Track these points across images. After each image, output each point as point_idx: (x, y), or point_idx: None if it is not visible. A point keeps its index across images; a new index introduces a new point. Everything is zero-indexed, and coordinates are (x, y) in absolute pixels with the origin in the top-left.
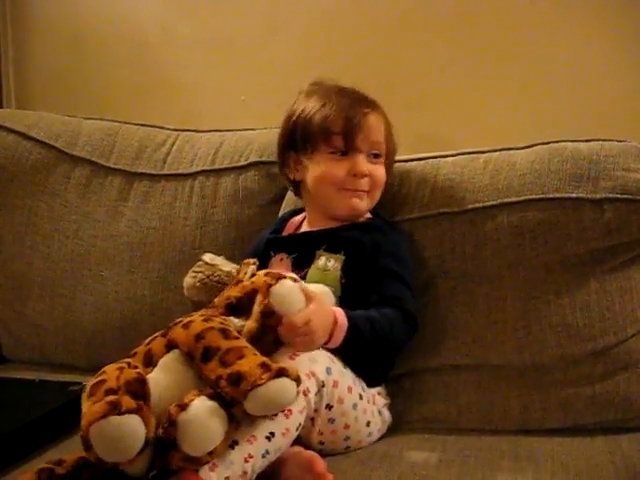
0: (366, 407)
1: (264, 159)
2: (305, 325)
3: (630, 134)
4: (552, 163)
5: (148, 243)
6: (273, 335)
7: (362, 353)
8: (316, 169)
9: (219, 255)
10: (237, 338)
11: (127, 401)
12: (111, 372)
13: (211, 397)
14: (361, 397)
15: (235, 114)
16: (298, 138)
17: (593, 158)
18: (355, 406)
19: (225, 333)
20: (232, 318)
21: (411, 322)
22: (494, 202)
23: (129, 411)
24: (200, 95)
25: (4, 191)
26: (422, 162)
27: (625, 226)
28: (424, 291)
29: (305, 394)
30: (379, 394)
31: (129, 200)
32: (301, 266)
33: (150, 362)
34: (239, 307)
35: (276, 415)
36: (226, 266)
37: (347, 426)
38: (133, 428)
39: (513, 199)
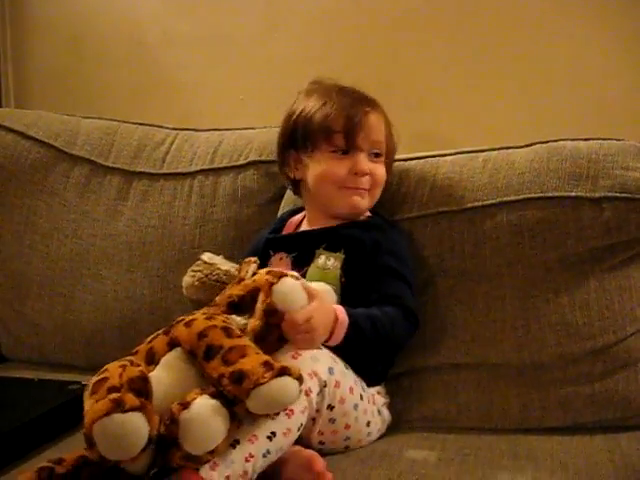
0: (366, 407)
1: (263, 158)
2: (306, 322)
3: (629, 133)
4: (551, 162)
5: (147, 242)
6: (277, 333)
7: (363, 351)
8: (317, 168)
9: (218, 254)
10: (240, 337)
11: (130, 399)
12: (113, 370)
13: (213, 396)
14: (362, 397)
15: (234, 113)
16: (299, 137)
17: (592, 157)
18: (356, 406)
19: (228, 331)
20: (234, 316)
21: (412, 320)
22: (493, 201)
23: (133, 409)
24: (199, 94)
25: (3, 190)
26: (421, 161)
27: (624, 225)
28: (423, 290)
29: (307, 394)
30: (378, 393)
31: (128, 199)
32: (301, 265)
33: (152, 360)
34: (241, 305)
35: (278, 414)
36: (225, 265)
37: (348, 426)
38: (136, 426)
39: (512, 198)
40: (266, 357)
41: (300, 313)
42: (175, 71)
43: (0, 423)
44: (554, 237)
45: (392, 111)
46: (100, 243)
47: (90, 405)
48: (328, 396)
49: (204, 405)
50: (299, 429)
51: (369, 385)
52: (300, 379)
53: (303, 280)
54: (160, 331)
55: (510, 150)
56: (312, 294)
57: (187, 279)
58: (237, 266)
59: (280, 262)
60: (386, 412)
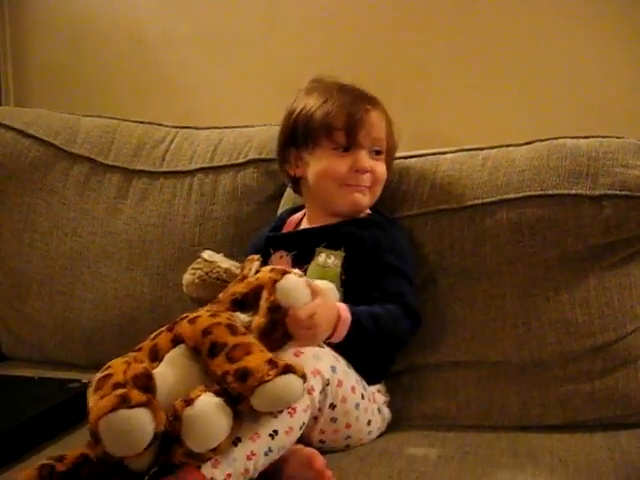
0: (367, 406)
1: (263, 156)
2: (309, 318)
3: (629, 130)
4: (551, 160)
5: (147, 240)
6: (282, 329)
7: (365, 348)
8: (318, 165)
9: (218, 252)
10: (244, 334)
11: (137, 395)
12: (118, 366)
13: (217, 394)
14: (363, 396)
15: (234, 111)
16: (299, 134)
17: (592, 155)
18: (357, 406)
19: (232, 329)
20: (238, 314)
21: (413, 318)
22: (493, 199)
23: (139, 404)
24: (199, 92)
25: (3, 188)
26: (421, 159)
27: (624, 222)
28: (423, 288)
29: (309, 392)
30: (379, 391)
31: (128, 197)
32: (301, 263)
33: (156, 357)
34: (245, 303)
35: (281, 412)
36: (225, 263)
37: (349, 425)
38: (142, 422)
39: (512, 196)
40: (271, 355)
41: (303, 309)
42: (175, 69)
43: (0, 421)
44: (554, 235)
45: (392, 109)
46: (100, 241)
47: (95, 401)
48: (330, 395)
49: (208, 402)
50: (301, 428)
51: (369, 383)
52: (304, 377)
53: (307, 277)
54: (164, 328)
55: (510, 148)
56: (316, 291)
57: (187, 277)
58: (237, 264)
59: (280, 260)
60: (386, 410)
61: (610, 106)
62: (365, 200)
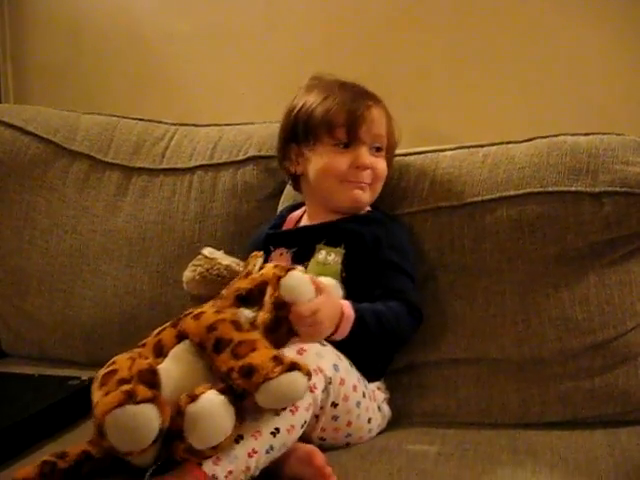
0: (368, 404)
1: (263, 153)
2: (312, 315)
3: (629, 128)
4: (551, 157)
5: (147, 238)
6: (286, 325)
7: (368, 345)
8: (318, 161)
9: (219, 249)
10: (249, 330)
11: (143, 390)
12: (122, 362)
13: (222, 392)
14: (364, 395)
15: (234, 109)
16: (300, 131)
17: (592, 151)
18: (358, 404)
19: (237, 325)
20: (242, 309)
21: (416, 315)
22: (493, 196)
23: (145, 400)
24: (199, 90)
25: (2, 186)
26: (421, 156)
27: (624, 219)
28: (423, 285)
29: (312, 390)
30: (378, 389)
31: (127, 195)
32: (301, 260)
33: (161, 352)
34: (249, 298)
35: (284, 409)
36: (225, 260)
37: (349, 423)
38: (148, 417)
39: (512, 193)
40: (276, 352)
41: (306, 305)
42: (175, 67)
43: (0, 418)
44: (554, 232)
45: (392, 107)
46: (99, 239)
47: (100, 397)
48: (332, 393)
49: (212, 400)
50: (303, 426)
51: (369, 381)
52: (309, 375)
53: (311, 274)
54: (167, 324)
55: (510, 145)
56: (320, 288)
57: (188, 274)
58: (238, 261)
59: (280, 257)
60: (386, 408)
61: (610, 103)
62: (365, 197)
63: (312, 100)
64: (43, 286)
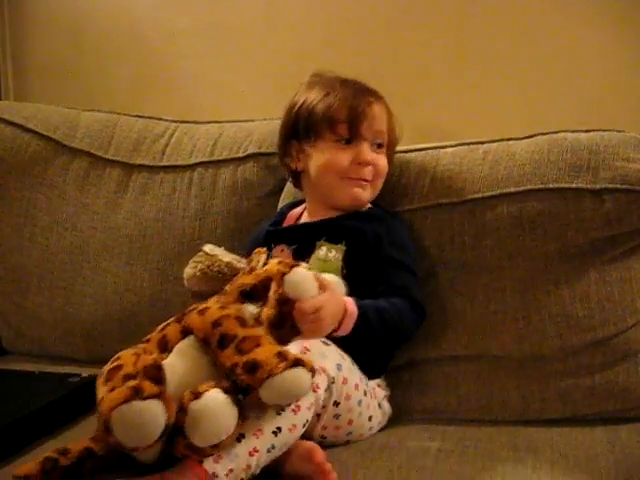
0: (369, 402)
1: (263, 150)
2: (315, 312)
3: (630, 124)
4: (552, 153)
5: (147, 235)
6: (290, 322)
7: (371, 342)
8: (320, 157)
9: (219, 247)
10: (253, 326)
11: (149, 386)
12: (127, 358)
13: (226, 391)
14: (365, 393)
15: (234, 106)
16: (301, 127)
17: (593, 148)
18: (360, 402)
19: (241, 321)
20: (247, 305)
21: (419, 311)
22: (493, 192)
23: (151, 396)
24: (199, 87)
25: (2, 183)
26: (422, 153)
27: (625, 216)
28: (424, 282)
29: (314, 390)
30: (379, 386)
31: (128, 192)
32: (301, 257)
33: (165, 348)
34: (253, 294)
35: (284, 409)
36: (226, 257)
37: (351, 422)
38: (154, 413)
39: (512, 189)
40: (280, 348)
41: (309, 302)
42: (175, 64)
43: (0, 415)
44: (555, 229)
45: (392, 104)
46: (100, 236)
47: (105, 392)
48: (335, 392)
49: (215, 399)
50: (304, 425)
51: (370, 378)
52: (313, 371)
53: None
54: (172, 319)
55: (510, 142)
56: (324, 285)
57: (188, 270)
58: (239, 258)
59: (281, 254)
60: (386, 405)
61: (611, 100)
62: (365, 195)
63: (313, 96)
64: (43, 283)
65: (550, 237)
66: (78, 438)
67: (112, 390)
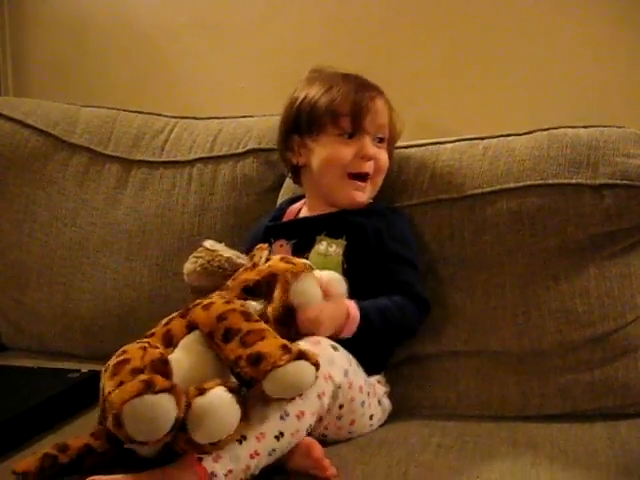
0: (371, 402)
1: (262, 146)
2: (314, 319)
3: (629, 120)
4: (551, 149)
5: (146, 230)
6: (295, 327)
7: (375, 341)
8: (322, 151)
9: (220, 242)
10: (257, 321)
11: (160, 380)
12: (134, 352)
13: (230, 390)
14: (368, 394)
15: (234, 101)
16: (303, 121)
17: (592, 144)
18: (363, 404)
19: (246, 315)
20: (251, 302)
21: (422, 306)
22: (493, 188)
23: (163, 390)
24: (199, 83)
25: (2, 179)
26: (421, 148)
27: (625, 212)
28: (423, 277)
29: (320, 397)
30: (379, 382)
31: (127, 187)
32: (301, 252)
33: (170, 343)
34: (256, 290)
35: (292, 399)
36: (226, 252)
37: (353, 422)
38: (166, 408)
39: (512, 185)
40: (284, 341)
41: (309, 311)
42: (175, 60)
43: (0, 411)
44: (554, 224)
45: (392, 101)
46: (99, 231)
47: (113, 386)
48: (340, 397)
49: (219, 396)
50: (307, 430)
51: (370, 374)
52: (317, 365)
53: (320, 275)
54: (175, 314)
55: (510, 137)
56: (328, 293)
57: (188, 265)
58: (239, 253)
59: (280, 249)
60: (386, 401)
61: (610, 96)
62: (364, 197)
63: (315, 91)
64: (43, 279)
65: (550, 233)
66: (78, 433)
67: (120, 384)
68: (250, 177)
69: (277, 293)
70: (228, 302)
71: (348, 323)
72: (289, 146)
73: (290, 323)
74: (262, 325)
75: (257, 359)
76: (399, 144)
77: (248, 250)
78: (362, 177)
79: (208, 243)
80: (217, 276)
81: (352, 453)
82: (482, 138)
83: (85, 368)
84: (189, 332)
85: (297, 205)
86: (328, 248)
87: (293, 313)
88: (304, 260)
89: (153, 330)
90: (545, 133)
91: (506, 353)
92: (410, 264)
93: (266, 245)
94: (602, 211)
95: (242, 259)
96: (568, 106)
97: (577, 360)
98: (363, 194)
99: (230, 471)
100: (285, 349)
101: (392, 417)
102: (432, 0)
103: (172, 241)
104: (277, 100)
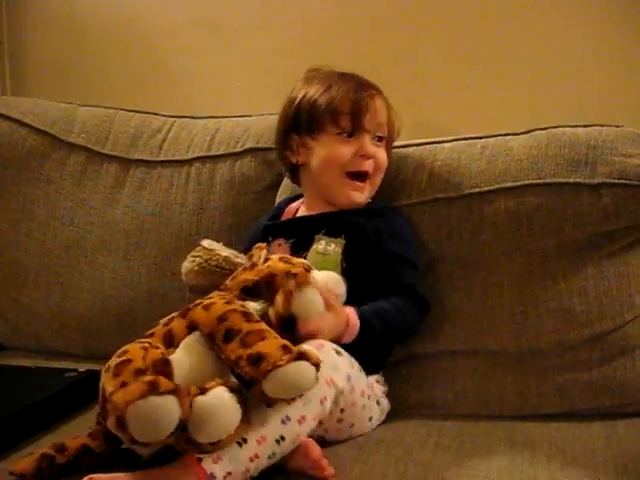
0: (371, 404)
1: (260, 145)
2: (316, 332)
3: (628, 119)
4: (550, 148)
5: (144, 230)
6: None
7: (375, 345)
8: (322, 150)
9: (218, 242)
10: (258, 321)
11: (165, 382)
12: (136, 352)
13: (232, 390)
14: (369, 397)
15: (231, 101)
16: (303, 120)
17: (591, 143)
18: (364, 407)
19: (247, 316)
20: (250, 303)
21: (422, 306)
22: (491, 187)
23: (167, 392)
24: (196, 82)
25: None
26: (419, 148)
27: (623, 211)
28: (421, 276)
29: (322, 402)
30: (377, 382)
31: (125, 187)
32: (299, 251)
33: (171, 343)
34: (255, 290)
35: (294, 400)
36: (224, 251)
37: (352, 425)
38: (170, 409)
39: (510, 184)
40: (284, 341)
41: (310, 323)
42: (173, 59)
43: None
44: (552, 223)
45: (391, 100)
46: (97, 231)
47: (115, 387)
48: (342, 402)
49: (221, 396)
50: (307, 434)
51: (368, 374)
52: (317, 365)
53: (321, 283)
54: (175, 314)
55: (508, 137)
56: (329, 305)
57: (186, 265)
58: (237, 253)
59: (279, 248)
60: (385, 401)
61: (609, 95)
62: (362, 198)
63: (314, 90)
64: (40, 278)
65: (548, 232)
66: (75, 433)
67: (123, 385)
68: (248, 176)
69: (279, 299)
70: (228, 302)
71: (348, 330)
72: (288, 145)
73: (291, 328)
74: (262, 325)
75: (257, 359)
76: (397, 143)
77: (247, 249)
78: (361, 176)
79: (206, 242)
80: (215, 275)
81: (350, 452)
82: (480, 137)
83: (83, 367)
84: (190, 332)
85: (295, 204)
86: (327, 247)
87: (294, 321)
88: (303, 260)
89: (153, 330)
90: (543, 132)
91: (504, 352)
92: (410, 264)
93: (265, 244)
94: (600, 210)
95: (240, 258)
96: (566, 105)
97: (575, 359)
98: (361, 194)
99: (229, 473)
100: (285, 349)
101: (390, 416)
102: (431, 2)
103: (170, 240)
104: (275, 99)
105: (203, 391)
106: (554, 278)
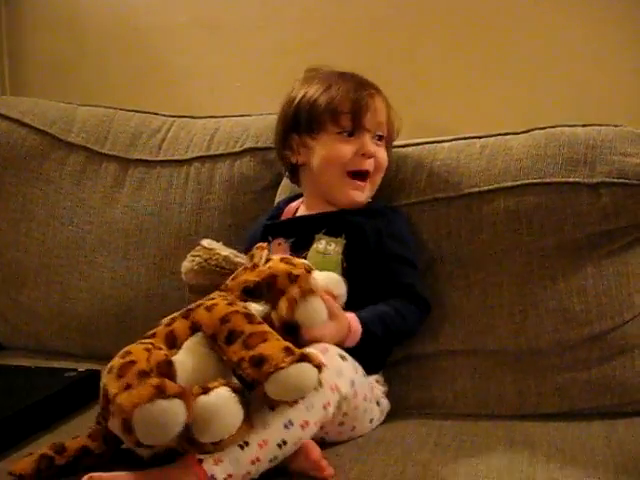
0: (372, 407)
1: (259, 145)
2: (318, 339)
3: (627, 119)
4: (549, 148)
5: (144, 229)
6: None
7: (377, 348)
8: (322, 149)
9: (217, 242)
10: (261, 323)
11: (171, 385)
12: (139, 353)
13: (234, 390)
14: (370, 400)
15: (230, 100)
16: (303, 120)
17: (590, 143)
18: (365, 410)
19: (249, 318)
20: (253, 304)
21: (422, 306)
22: (490, 187)
23: (174, 395)
24: (196, 82)
25: None
26: (419, 147)
27: (622, 211)
28: (421, 276)
29: (325, 407)
30: (377, 382)
31: (124, 186)
32: (299, 250)
33: (174, 344)
34: (256, 291)
35: (296, 402)
36: (224, 251)
37: (354, 428)
38: (176, 413)
39: (509, 184)
40: (287, 343)
41: (314, 333)
42: (172, 58)
43: None
44: (551, 223)
45: (390, 99)
46: (96, 230)
47: (119, 388)
48: (345, 406)
49: (223, 396)
50: (310, 437)
51: (368, 373)
52: (320, 367)
53: (322, 284)
54: (177, 314)
55: (508, 136)
56: (333, 313)
57: (186, 264)
58: (236, 252)
59: (279, 247)
60: (385, 402)
61: (608, 94)
62: (362, 197)
63: (314, 90)
64: (40, 278)
65: (547, 231)
66: (74, 433)
67: (128, 387)
68: (247, 176)
69: (283, 306)
70: (231, 304)
71: (350, 336)
72: (287, 145)
73: (294, 333)
74: (265, 327)
75: (259, 361)
76: (397, 143)
77: (247, 249)
78: (362, 175)
79: (206, 242)
80: (215, 275)
81: (350, 452)
82: (479, 137)
83: (82, 367)
84: (192, 333)
85: (295, 204)
86: (327, 247)
87: (297, 327)
88: (304, 261)
89: (154, 330)
90: (542, 132)
91: (503, 352)
92: (410, 263)
93: (265, 244)
94: (599, 210)
95: (240, 258)
96: (565, 105)
97: (574, 359)
98: (362, 194)
99: (230, 475)
100: (288, 351)
101: (389, 416)
102: (430, 1)
103: (169, 240)
104: (274, 99)
105: (206, 391)
106: (553, 278)
